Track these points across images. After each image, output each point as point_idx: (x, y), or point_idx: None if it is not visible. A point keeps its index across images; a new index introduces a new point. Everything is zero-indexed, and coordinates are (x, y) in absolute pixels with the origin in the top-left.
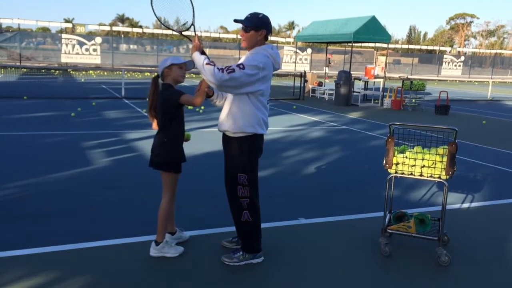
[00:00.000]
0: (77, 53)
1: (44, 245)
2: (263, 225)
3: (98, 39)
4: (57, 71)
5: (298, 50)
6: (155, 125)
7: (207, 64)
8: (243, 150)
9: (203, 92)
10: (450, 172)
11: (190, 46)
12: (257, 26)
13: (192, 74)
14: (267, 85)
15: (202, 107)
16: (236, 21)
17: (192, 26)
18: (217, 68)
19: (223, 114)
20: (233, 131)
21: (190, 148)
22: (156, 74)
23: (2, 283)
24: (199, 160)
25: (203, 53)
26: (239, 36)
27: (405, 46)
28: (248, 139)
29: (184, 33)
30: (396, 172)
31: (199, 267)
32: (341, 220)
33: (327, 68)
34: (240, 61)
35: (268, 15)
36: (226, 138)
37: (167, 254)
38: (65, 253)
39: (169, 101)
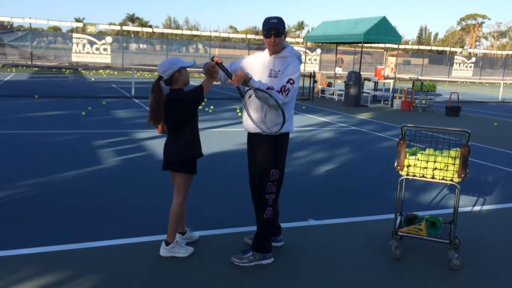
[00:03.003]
0: (88, 52)
1: (54, 244)
2: None
3: (109, 39)
4: (67, 70)
5: (307, 51)
6: (160, 129)
7: (267, 88)
8: (278, 147)
9: (211, 79)
10: (463, 175)
11: (200, 46)
12: (285, 29)
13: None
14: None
15: (212, 107)
16: (273, 27)
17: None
18: (276, 91)
19: (262, 113)
20: (272, 130)
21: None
22: (157, 78)
23: (13, 281)
24: (209, 159)
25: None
26: (248, 36)
27: (415, 47)
28: (282, 136)
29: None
30: (407, 174)
31: (209, 268)
32: (351, 221)
33: (341, 68)
34: (288, 75)
35: (277, 14)
36: (257, 137)
37: (177, 254)
38: (75, 252)
39: (199, 99)
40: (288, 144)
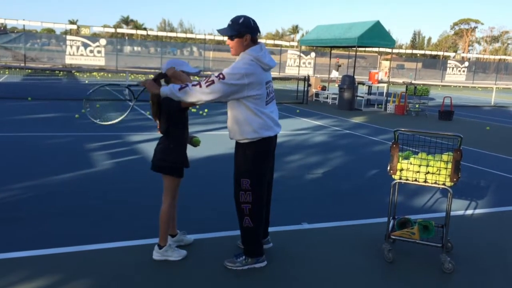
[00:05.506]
0: (82, 55)
1: (47, 247)
2: None
3: (103, 41)
4: (61, 72)
5: (301, 54)
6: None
7: (179, 89)
8: (247, 156)
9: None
10: (455, 179)
11: (194, 48)
12: (239, 32)
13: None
14: (260, 88)
15: (206, 110)
16: (219, 31)
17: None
18: (191, 85)
19: (228, 122)
20: (237, 138)
21: (193, 150)
22: (159, 73)
23: (5, 285)
24: (202, 162)
25: (160, 77)
26: None
27: (409, 51)
28: (252, 144)
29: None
30: (400, 178)
31: (202, 271)
32: (344, 225)
33: (337, 72)
34: (222, 70)
35: (272, 18)
36: (235, 144)
37: (170, 257)
38: (68, 256)
39: (172, 107)
40: (272, 149)
